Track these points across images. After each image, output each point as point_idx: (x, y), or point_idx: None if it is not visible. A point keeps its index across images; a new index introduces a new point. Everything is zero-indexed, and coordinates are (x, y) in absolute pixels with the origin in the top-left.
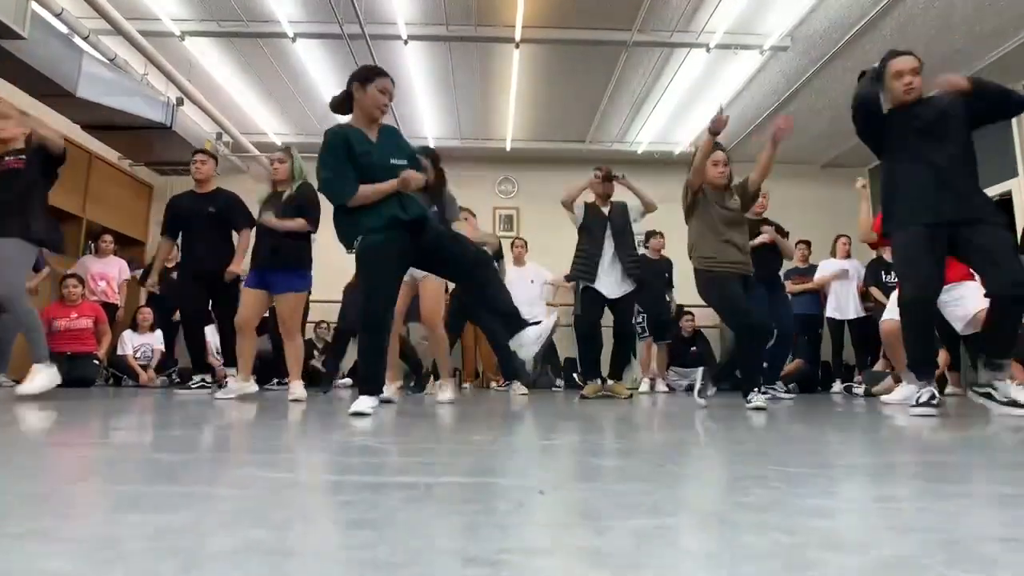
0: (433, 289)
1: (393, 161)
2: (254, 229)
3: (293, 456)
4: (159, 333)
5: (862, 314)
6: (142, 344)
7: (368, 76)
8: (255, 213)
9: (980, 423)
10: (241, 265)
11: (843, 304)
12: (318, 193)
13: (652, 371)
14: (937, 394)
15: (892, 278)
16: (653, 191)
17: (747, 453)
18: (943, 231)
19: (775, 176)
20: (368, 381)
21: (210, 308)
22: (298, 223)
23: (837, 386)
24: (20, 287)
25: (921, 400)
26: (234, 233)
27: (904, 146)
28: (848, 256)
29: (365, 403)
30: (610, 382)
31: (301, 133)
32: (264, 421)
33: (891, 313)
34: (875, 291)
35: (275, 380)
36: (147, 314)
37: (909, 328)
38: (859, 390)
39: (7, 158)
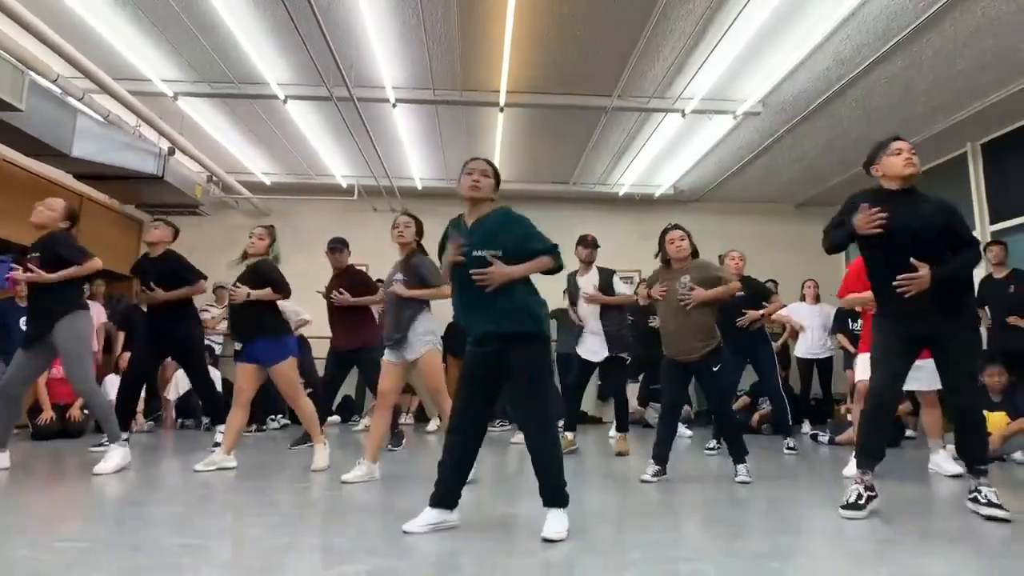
0: (431, 362)
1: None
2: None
3: None
4: None
5: (830, 353)
6: None
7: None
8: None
9: None
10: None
11: (813, 345)
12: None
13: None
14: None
15: (859, 325)
16: (634, 228)
17: None
18: None
19: (750, 214)
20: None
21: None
22: (266, 292)
23: (807, 427)
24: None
25: (850, 501)
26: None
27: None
28: (817, 300)
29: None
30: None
31: (291, 173)
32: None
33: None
34: (842, 338)
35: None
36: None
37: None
38: (824, 438)
39: (32, 255)
